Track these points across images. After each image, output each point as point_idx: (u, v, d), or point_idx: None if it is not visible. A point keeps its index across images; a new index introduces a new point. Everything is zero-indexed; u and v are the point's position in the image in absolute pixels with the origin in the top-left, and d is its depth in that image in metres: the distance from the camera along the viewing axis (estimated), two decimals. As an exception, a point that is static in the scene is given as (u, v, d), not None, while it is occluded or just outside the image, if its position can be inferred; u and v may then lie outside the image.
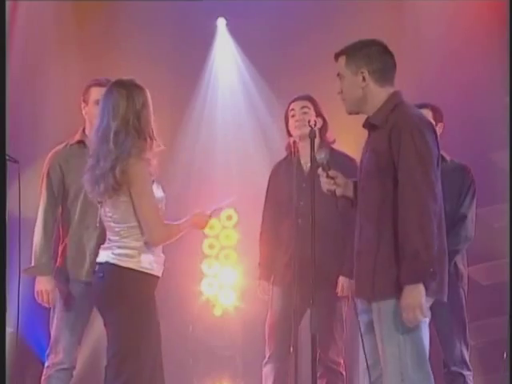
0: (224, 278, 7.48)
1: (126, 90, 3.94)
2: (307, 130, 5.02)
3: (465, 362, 4.86)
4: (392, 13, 7.09)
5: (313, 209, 4.09)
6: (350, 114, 3.88)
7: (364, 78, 3.76)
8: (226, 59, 7.90)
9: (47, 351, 4.83)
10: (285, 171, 5.21)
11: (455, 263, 4.90)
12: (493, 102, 6.54)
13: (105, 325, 4.00)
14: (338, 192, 3.90)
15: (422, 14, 7.12)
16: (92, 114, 4.79)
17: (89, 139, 4.73)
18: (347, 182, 3.94)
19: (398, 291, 3.55)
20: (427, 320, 3.71)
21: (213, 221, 7.69)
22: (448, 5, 6.93)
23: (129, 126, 3.87)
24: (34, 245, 4.76)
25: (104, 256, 3.97)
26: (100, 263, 3.98)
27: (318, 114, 5.20)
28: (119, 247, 3.93)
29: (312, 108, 5.20)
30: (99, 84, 4.87)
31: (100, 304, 4.00)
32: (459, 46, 6.84)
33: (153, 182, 3.98)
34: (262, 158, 7.08)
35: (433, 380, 3.63)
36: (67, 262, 4.76)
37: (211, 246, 7.72)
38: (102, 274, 3.93)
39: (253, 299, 6.44)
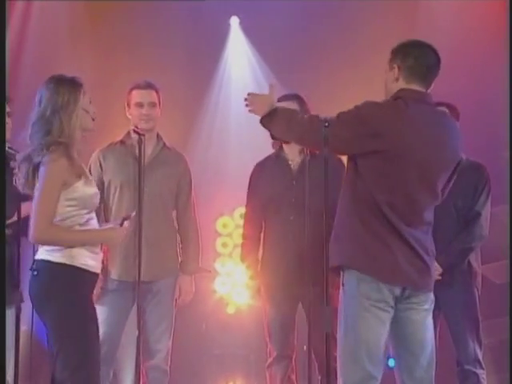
0: (237, 277, 7.49)
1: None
2: None
3: (478, 361, 4.83)
4: (404, 14, 7.11)
5: (326, 204, 4.08)
6: None
7: (395, 73, 3.79)
8: (238, 57, 8.01)
9: None
10: (270, 170, 5.07)
11: (469, 261, 4.89)
12: (507, 101, 6.52)
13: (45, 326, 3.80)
14: None
15: (435, 15, 7.13)
16: (134, 116, 4.93)
17: (132, 140, 4.85)
18: None
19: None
20: (384, 316, 3.73)
21: (226, 219, 7.76)
22: (456, 5, 6.95)
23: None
24: None
25: (39, 252, 3.82)
26: (35, 260, 3.82)
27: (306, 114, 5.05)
28: None
29: (299, 109, 4.86)
30: (139, 87, 4.95)
31: (35, 304, 3.79)
32: (471, 44, 6.84)
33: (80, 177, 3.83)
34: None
35: (370, 374, 3.68)
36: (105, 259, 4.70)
37: (224, 245, 7.74)
38: (36, 272, 3.76)
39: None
